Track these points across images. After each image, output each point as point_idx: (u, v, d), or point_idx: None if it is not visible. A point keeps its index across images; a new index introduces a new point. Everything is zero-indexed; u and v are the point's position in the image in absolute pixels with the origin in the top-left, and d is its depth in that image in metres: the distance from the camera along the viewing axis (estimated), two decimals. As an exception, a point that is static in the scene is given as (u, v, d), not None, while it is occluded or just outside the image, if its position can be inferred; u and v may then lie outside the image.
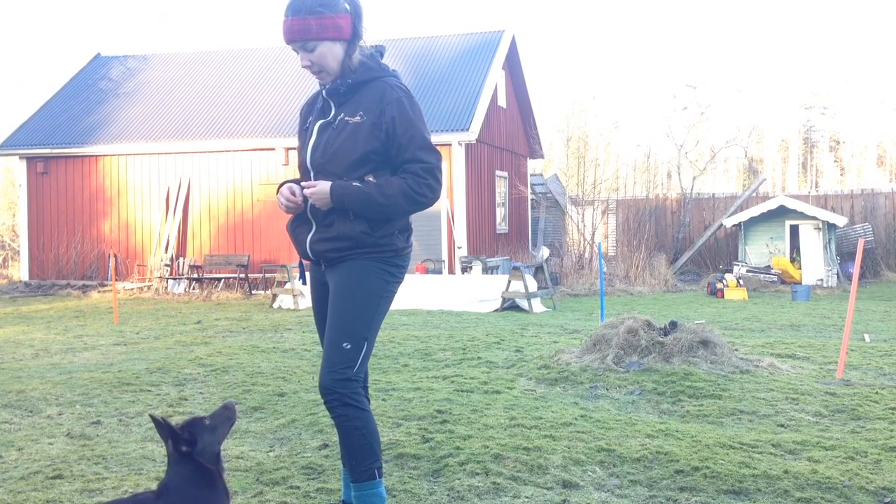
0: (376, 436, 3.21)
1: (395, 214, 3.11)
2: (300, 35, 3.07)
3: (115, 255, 17.58)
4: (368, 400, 3.24)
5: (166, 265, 17.74)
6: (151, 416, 2.81)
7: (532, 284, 13.51)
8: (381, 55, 3.27)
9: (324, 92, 3.25)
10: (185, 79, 20.51)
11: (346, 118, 3.14)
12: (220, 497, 2.76)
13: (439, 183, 3.11)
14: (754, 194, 20.53)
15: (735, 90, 51.34)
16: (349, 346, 3.10)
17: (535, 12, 76.21)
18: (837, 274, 17.92)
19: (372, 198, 3.02)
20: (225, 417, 2.80)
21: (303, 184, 3.12)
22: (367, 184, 3.06)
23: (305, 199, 3.14)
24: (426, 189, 3.07)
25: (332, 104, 3.22)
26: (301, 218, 3.25)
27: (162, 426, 2.73)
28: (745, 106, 46.41)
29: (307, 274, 3.44)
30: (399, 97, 3.14)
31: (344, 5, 3.10)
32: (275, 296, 14.39)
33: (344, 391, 3.09)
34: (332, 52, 3.12)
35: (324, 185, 3.05)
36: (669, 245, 21.00)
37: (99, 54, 22.52)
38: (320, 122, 3.23)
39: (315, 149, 3.20)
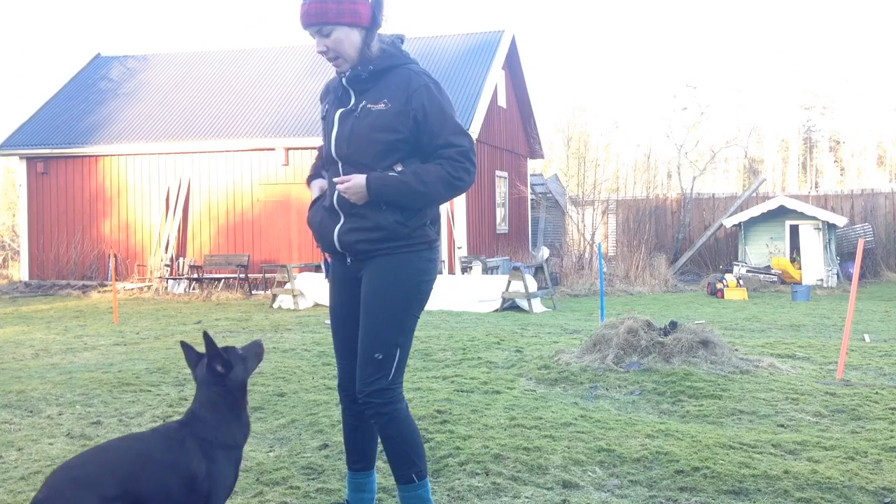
0: (412, 442, 3.10)
1: (435, 202, 2.99)
2: (316, 18, 2.97)
3: (115, 256, 17.58)
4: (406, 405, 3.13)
5: (166, 265, 17.74)
6: (183, 343, 2.88)
7: (532, 284, 13.51)
8: (402, 42, 3.18)
9: (344, 80, 3.11)
10: (185, 79, 20.51)
11: (370, 105, 3.03)
12: (244, 429, 2.81)
13: (474, 166, 3.01)
14: (754, 194, 20.53)
15: (735, 90, 51.32)
16: (381, 357, 3.01)
17: (535, 12, 76.24)
18: (837, 274, 17.92)
19: (411, 187, 2.90)
20: (255, 352, 2.88)
21: (336, 179, 2.99)
22: (402, 173, 2.93)
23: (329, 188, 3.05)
24: (463, 173, 2.98)
25: (352, 92, 3.10)
26: (325, 209, 3.11)
27: (193, 349, 2.82)
28: (745, 106, 46.41)
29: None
30: (426, 83, 3.05)
31: None
32: (275, 296, 14.39)
33: (378, 401, 3.02)
34: (349, 39, 3.02)
35: (359, 179, 2.93)
36: (669, 245, 21.00)
37: (99, 54, 22.52)
38: (340, 110, 3.11)
39: (339, 139, 3.08)
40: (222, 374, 2.78)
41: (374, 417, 3.06)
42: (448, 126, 3.00)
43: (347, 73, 3.09)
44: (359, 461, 3.38)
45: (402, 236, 3.00)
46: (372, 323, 3.04)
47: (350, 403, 3.30)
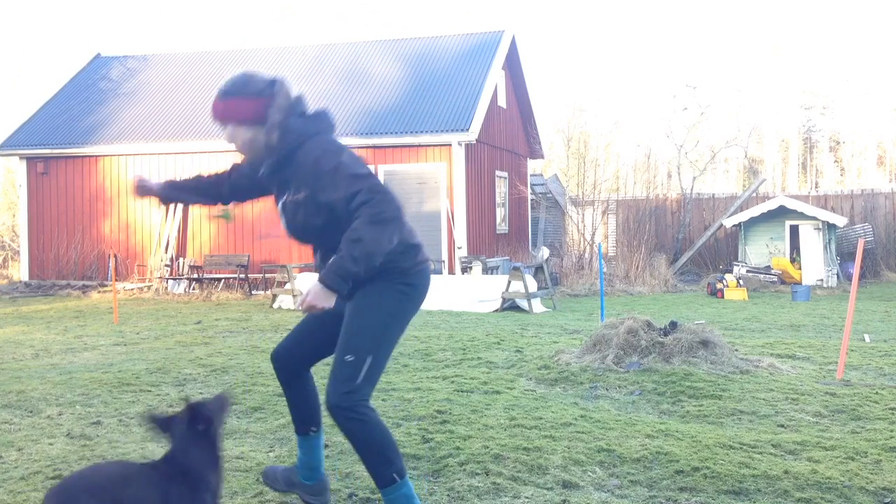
0: (385, 442, 3.15)
1: (381, 246, 2.98)
2: (213, 117, 3.26)
3: (115, 256, 17.57)
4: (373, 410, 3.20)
5: (166, 265, 17.74)
6: (150, 415, 2.88)
7: (532, 285, 13.51)
8: (301, 105, 3.27)
9: (264, 175, 3.32)
10: (185, 79, 20.51)
11: (291, 199, 3.20)
12: (219, 474, 2.83)
13: (385, 191, 3.03)
14: (754, 194, 20.52)
15: (735, 90, 51.30)
16: (351, 359, 3.10)
17: (535, 12, 76.24)
18: (837, 274, 17.92)
19: (352, 255, 2.93)
20: (220, 405, 2.91)
21: (298, 307, 3.08)
22: (339, 249, 2.98)
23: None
24: (381, 205, 2.97)
25: (276, 185, 3.30)
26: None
27: (165, 419, 2.83)
28: (745, 106, 46.38)
29: None
30: (316, 158, 3.12)
31: (259, 89, 3.20)
32: (275, 296, 14.39)
33: (345, 405, 3.09)
34: (239, 135, 3.21)
35: (314, 289, 2.99)
36: (669, 245, 20.99)
37: (99, 54, 22.52)
38: (280, 201, 3.31)
39: (289, 227, 3.29)
40: (205, 429, 2.82)
41: (345, 422, 3.10)
42: (344, 183, 3.03)
43: (264, 168, 3.28)
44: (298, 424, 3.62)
45: (376, 271, 3.08)
46: (347, 333, 3.17)
47: (280, 371, 3.55)
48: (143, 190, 3.62)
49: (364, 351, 3.11)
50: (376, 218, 2.95)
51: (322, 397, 3.34)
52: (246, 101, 3.18)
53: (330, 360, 3.33)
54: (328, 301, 2.98)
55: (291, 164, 3.18)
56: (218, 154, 17.92)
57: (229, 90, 3.23)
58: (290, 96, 3.25)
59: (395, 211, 3.00)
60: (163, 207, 18.12)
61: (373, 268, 3.00)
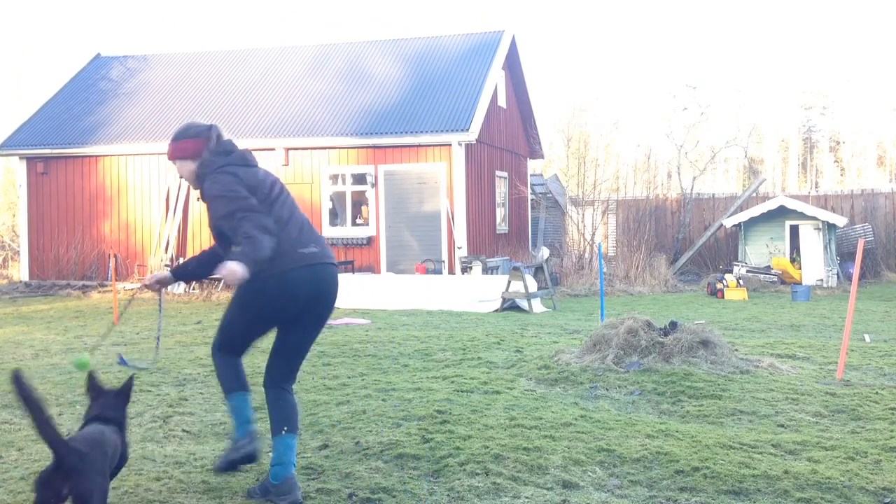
0: (221, 375, 4.14)
1: (256, 253, 3.73)
2: (168, 156, 4.20)
3: (115, 256, 17.57)
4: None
5: (166, 265, 17.73)
6: (92, 380, 3.91)
7: (532, 285, 13.51)
8: (229, 147, 4.19)
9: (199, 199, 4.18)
10: (185, 79, 20.51)
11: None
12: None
13: (246, 230, 3.76)
14: (754, 194, 20.52)
15: (735, 90, 51.30)
16: (218, 324, 4.20)
17: (535, 12, 76.23)
18: (837, 274, 17.92)
19: (241, 253, 3.73)
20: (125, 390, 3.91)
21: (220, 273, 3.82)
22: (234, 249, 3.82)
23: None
24: (243, 240, 3.73)
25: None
26: None
27: (99, 388, 3.89)
28: (745, 106, 46.37)
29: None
30: (208, 185, 3.99)
31: (197, 132, 4.13)
32: (275, 296, 14.38)
33: (211, 351, 4.21)
34: (184, 167, 4.12)
35: (231, 266, 3.64)
36: (669, 245, 20.99)
37: (99, 54, 22.51)
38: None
39: (211, 230, 4.14)
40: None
41: (212, 358, 4.26)
42: (217, 214, 3.95)
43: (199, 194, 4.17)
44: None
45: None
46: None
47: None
48: (158, 284, 4.47)
49: (223, 320, 4.13)
50: (244, 235, 3.74)
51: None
52: (188, 141, 4.11)
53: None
54: (242, 274, 3.66)
55: (202, 189, 4.04)
56: (218, 154, 17.91)
57: (177, 135, 4.15)
58: (220, 138, 4.17)
59: (255, 230, 3.76)
60: (163, 207, 18.13)
61: (256, 266, 3.72)
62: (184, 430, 5.22)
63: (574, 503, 3.82)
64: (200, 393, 6.39)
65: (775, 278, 17.61)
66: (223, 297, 16.26)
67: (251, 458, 4.03)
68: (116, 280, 16.82)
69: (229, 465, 4.06)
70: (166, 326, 11.17)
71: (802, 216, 18.02)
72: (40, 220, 18.95)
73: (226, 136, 4.24)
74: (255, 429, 4.06)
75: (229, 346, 4.13)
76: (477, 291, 13.58)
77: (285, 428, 3.93)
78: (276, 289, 3.93)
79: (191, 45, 54.84)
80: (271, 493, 3.88)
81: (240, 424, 4.05)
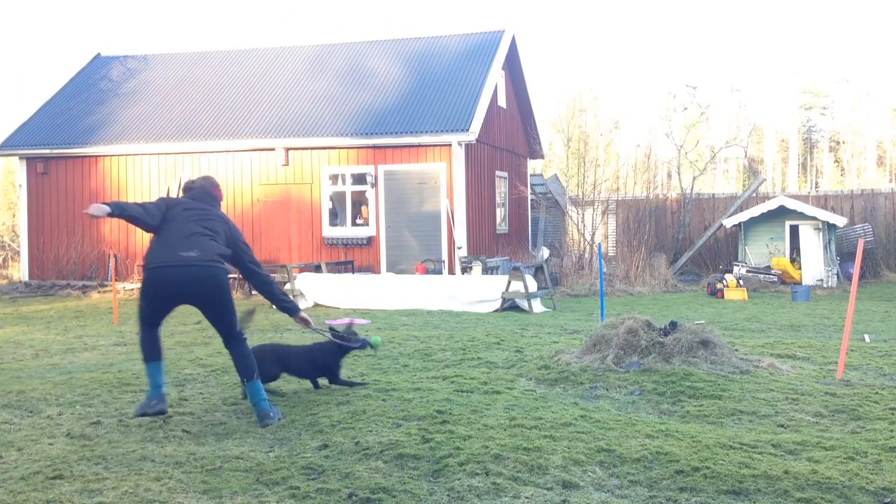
0: (142, 347, 5.48)
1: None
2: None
3: (115, 256, 17.57)
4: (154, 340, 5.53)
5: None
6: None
7: (532, 285, 13.50)
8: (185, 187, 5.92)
9: None
10: (185, 79, 20.51)
11: None
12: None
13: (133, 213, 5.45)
14: (754, 194, 20.51)
15: (734, 90, 51.29)
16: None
17: (535, 12, 76.23)
18: (837, 274, 17.91)
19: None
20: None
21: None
22: None
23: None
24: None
25: None
26: None
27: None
28: (745, 106, 46.42)
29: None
30: None
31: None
32: (275, 296, 14.36)
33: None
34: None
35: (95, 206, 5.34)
36: (669, 245, 20.99)
37: (99, 54, 22.51)
38: None
39: None
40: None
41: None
42: None
43: None
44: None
45: None
46: None
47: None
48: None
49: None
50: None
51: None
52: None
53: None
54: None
55: None
56: (217, 154, 17.92)
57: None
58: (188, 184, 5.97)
59: (137, 213, 5.40)
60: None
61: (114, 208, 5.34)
62: (184, 430, 5.22)
63: (574, 503, 3.82)
64: (200, 393, 6.39)
65: (775, 278, 17.61)
66: (223, 297, 16.28)
67: (161, 413, 5.30)
68: (116, 280, 16.81)
69: (143, 415, 5.28)
70: (166, 326, 11.15)
71: (802, 216, 18.01)
72: (40, 220, 18.95)
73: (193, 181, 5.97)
74: (165, 391, 5.39)
75: (141, 317, 5.49)
76: (477, 291, 13.57)
77: (245, 378, 5.47)
78: (149, 279, 5.39)
79: (191, 45, 54.81)
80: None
81: (153, 387, 5.32)
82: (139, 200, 18.57)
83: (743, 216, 18.78)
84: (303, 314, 5.93)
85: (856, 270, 7.13)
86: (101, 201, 5.72)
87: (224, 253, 5.52)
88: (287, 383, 6.60)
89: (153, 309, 5.43)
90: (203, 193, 5.72)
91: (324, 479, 4.20)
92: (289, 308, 5.86)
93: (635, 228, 20.49)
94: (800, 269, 17.79)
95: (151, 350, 5.40)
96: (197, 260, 5.31)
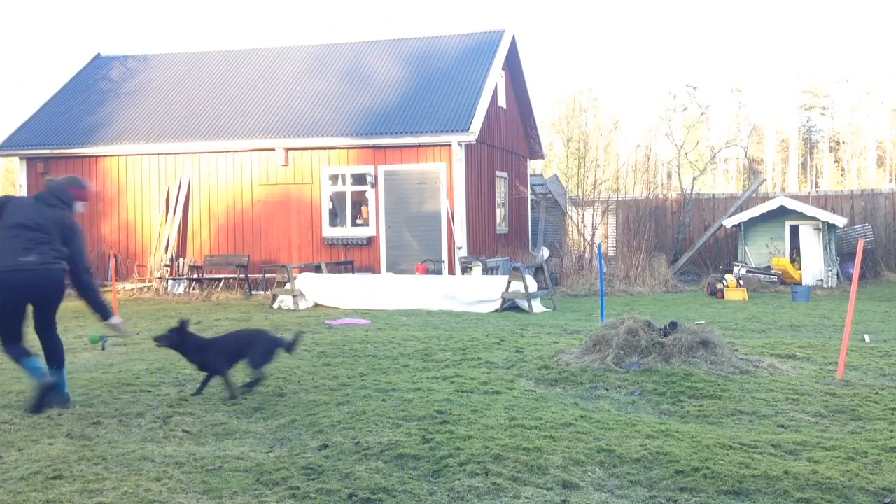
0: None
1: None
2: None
3: (116, 256, 17.56)
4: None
5: (166, 265, 17.74)
6: None
7: (532, 285, 13.50)
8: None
9: None
10: (185, 79, 20.50)
11: None
12: None
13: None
14: (754, 195, 20.51)
15: (734, 90, 51.31)
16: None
17: (535, 12, 76.23)
18: (837, 274, 17.91)
19: None
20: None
21: None
22: None
23: None
24: None
25: None
26: None
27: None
28: (745, 106, 46.43)
29: None
30: None
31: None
32: (275, 296, 14.38)
33: None
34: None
35: None
36: (669, 245, 20.98)
37: (99, 54, 22.51)
38: None
39: None
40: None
41: None
42: None
43: None
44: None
45: None
46: None
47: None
48: None
49: None
50: None
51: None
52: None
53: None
54: None
55: None
56: (217, 154, 17.92)
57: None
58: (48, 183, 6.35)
59: None
60: (163, 207, 18.12)
61: None
62: (184, 431, 5.22)
63: (574, 503, 3.82)
64: (200, 393, 6.38)
65: (775, 278, 17.61)
66: (223, 297, 16.30)
67: (53, 385, 5.84)
68: (116, 280, 16.81)
69: (42, 393, 5.75)
70: (166, 326, 11.15)
71: (802, 216, 18.01)
72: (40, 220, 18.92)
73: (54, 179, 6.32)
74: (46, 370, 5.90)
75: None
76: (477, 292, 13.57)
77: (55, 365, 6.03)
78: (3, 284, 5.78)
79: (191, 45, 54.80)
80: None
81: (33, 371, 5.85)
82: (139, 200, 18.67)
83: (743, 216, 18.78)
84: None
85: (856, 270, 7.13)
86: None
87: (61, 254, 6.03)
88: (287, 383, 6.61)
89: (5, 309, 5.81)
90: (48, 195, 6.09)
91: (324, 479, 4.20)
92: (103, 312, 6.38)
93: (635, 229, 20.48)
94: (800, 269, 17.79)
95: (19, 353, 5.87)
96: (39, 264, 5.83)
